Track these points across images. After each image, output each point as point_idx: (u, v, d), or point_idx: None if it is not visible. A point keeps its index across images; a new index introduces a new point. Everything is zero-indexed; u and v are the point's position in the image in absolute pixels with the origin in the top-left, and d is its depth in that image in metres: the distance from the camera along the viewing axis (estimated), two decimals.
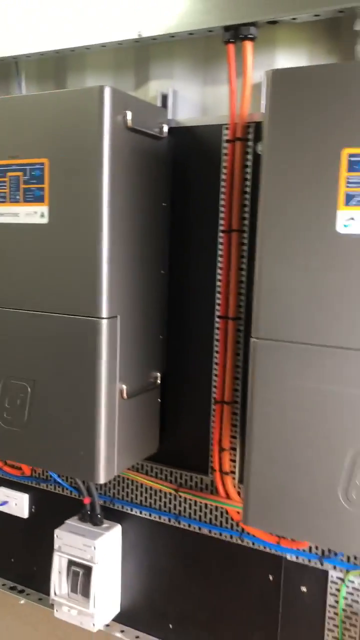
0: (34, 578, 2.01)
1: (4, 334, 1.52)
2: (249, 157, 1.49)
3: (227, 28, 1.45)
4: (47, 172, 1.41)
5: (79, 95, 1.37)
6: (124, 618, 1.84)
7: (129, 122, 1.39)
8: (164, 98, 1.63)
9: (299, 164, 1.15)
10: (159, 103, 1.63)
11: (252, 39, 1.43)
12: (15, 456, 1.62)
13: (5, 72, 1.90)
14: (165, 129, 1.54)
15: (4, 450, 1.58)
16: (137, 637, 1.80)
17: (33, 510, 1.98)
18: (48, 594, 1.85)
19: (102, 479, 1.44)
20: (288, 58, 1.50)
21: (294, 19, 1.39)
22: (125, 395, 1.47)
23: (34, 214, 1.44)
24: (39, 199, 1.43)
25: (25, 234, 1.46)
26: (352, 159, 1.10)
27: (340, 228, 1.13)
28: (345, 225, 1.13)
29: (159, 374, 1.63)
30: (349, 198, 1.12)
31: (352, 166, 1.11)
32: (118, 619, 1.84)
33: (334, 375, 1.17)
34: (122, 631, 1.82)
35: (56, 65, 1.83)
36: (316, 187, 1.14)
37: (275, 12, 1.38)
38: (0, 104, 1.48)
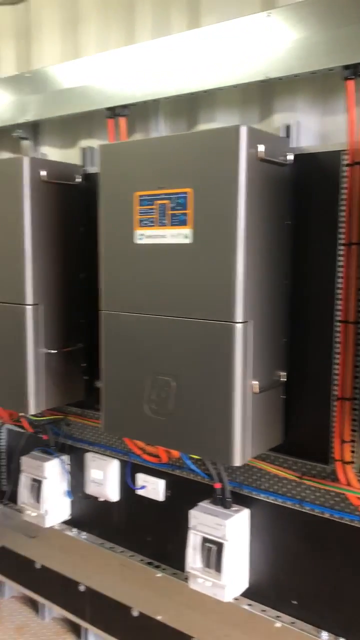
0: (168, 555, 2.26)
1: (154, 337, 1.80)
2: None
3: (346, 67, 1.64)
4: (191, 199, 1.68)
5: (217, 134, 1.62)
6: (251, 593, 2.04)
7: (262, 154, 1.61)
8: (287, 128, 1.84)
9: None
10: (282, 133, 1.85)
11: None
12: (162, 442, 1.88)
13: (145, 112, 2.20)
14: (290, 157, 1.76)
15: (151, 436, 1.85)
16: (264, 610, 2.00)
17: (168, 494, 2.24)
18: (181, 569, 2.10)
19: (237, 461, 1.67)
20: None
21: None
22: (256, 390, 1.69)
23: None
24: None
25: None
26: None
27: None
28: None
29: (284, 373, 1.83)
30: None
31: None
32: (246, 594, 2.05)
33: None
34: (249, 605, 2.03)
35: (189, 104, 2.11)
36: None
37: None
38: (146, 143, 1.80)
